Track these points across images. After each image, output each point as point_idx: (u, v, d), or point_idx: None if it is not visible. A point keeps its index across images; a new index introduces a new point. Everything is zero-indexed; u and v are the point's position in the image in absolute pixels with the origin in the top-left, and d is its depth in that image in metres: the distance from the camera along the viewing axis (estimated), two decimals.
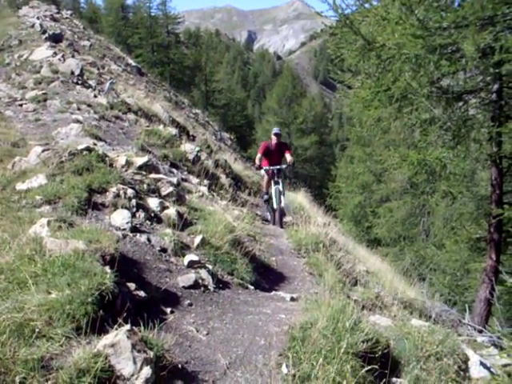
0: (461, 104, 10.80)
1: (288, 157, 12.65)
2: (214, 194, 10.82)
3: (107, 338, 3.94)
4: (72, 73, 16.69)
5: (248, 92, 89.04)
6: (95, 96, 14.84)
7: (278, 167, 12.58)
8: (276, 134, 12.92)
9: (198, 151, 12.76)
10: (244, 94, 77.79)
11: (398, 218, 28.98)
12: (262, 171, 13.09)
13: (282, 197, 12.21)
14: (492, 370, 5.82)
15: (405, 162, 11.72)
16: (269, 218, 13.04)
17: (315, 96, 78.62)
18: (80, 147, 7.72)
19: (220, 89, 60.96)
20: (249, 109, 73.99)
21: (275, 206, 12.26)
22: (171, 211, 7.22)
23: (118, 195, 6.83)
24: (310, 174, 53.19)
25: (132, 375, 3.79)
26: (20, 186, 7.13)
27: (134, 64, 32.93)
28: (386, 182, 32.08)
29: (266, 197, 13.28)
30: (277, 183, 12.46)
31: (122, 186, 7.00)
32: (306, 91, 77.67)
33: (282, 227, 11.63)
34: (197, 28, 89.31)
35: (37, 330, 3.88)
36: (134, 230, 6.43)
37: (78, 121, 11.20)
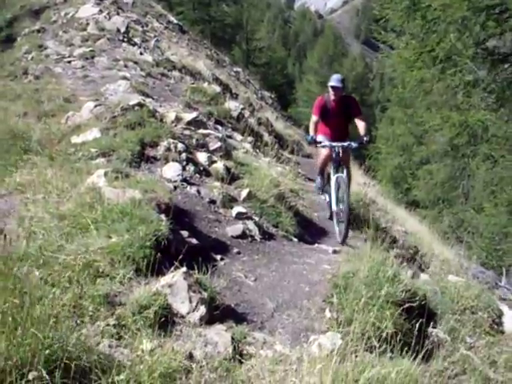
0: (507, 66, 10.76)
1: (361, 126, 8.15)
2: (258, 150, 11.03)
3: (165, 279, 4.27)
4: (118, 30, 16.91)
5: (288, 51, 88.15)
6: (141, 53, 15.08)
7: (346, 144, 7.96)
8: (334, 88, 8.11)
9: (241, 109, 12.91)
10: (285, 52, 77.16)
11: (438, 180, 28.76)
12: (321, 148, 8.36)
13: (345, 193, 7.69)
14: None
15: (446, 123, 11.78)
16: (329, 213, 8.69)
17: (357, 56, 77.52)
18: (132, 103, 8.04)
19: (261, 47, 60.44)
20: (289, 68, 73.27)
21: (334, 207, 7.83)
22: (219, 165, 7.50)
23: (168, 149, 7.14)
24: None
25: (188, 313, 4.12)
26: (75, 140, 7.48)
27: (175, 22, 32.91)
28: (426, 144, 31.75)
29: (318, 182, 9.05)
30: (339, 169, 7.94)
31: (172, 141, 7.30)
32: (348, 51, 76.99)
33: (343, 242, 7.53)
34: None
35: (100, 270, 4.23)
36: (185, 182, 6.75)
37: (125, 77, 11.46)
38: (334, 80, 8.24)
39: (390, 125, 39.41)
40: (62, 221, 4.98)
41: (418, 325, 4.44)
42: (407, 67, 11.60)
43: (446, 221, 25.53)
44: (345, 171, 7.94)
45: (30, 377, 2.65)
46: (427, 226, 15.43)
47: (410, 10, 10.08)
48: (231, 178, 7.40)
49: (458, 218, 25.68)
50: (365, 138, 8.05)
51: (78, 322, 3.58)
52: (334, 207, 7.90)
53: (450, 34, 9.80)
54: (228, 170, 7.52)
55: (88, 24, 17.13)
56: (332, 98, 8.26)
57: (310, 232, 7.77)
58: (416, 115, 31.70)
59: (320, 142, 8.12)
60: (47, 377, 2.69)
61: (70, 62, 13.54)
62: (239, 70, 35.50)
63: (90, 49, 14.33)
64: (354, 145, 8.02)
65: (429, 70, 11.03)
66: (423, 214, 26.90)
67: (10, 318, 2.91)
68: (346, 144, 8.00)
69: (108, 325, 3.70)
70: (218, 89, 14.11)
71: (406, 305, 4.93)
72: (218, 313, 4.30)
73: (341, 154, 7.98)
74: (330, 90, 8.26)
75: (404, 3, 10.09)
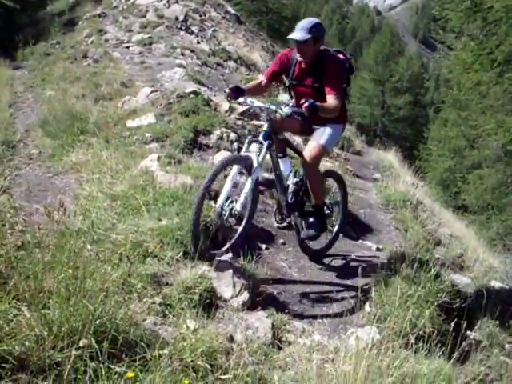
0: None
1: (329, 98, 5.04)
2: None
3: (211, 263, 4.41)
4: (176, 18, 17.11)
5: (344, 47, 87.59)
6: (198, 42, 15.26)
7: (266, 106, 5.09)
8: (297, 43, 5.10)
9: None
10: (340, 48, 76.78)
11: (489, 185, 28.20)
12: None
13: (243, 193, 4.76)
14: None
15: (500, 128, 11.60)
16: None
17: (413, 55, 76.27)
18: (187, 90, 8.21)
19: None
20: None
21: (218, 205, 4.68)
22: (269, 157, 7.60)
23: (221, 138, 7.30)
24: (402, 134, 52.24)
25: (231, 298, 4.25)
26: (130, 124, 7.68)
27: (232, 12, 33.02)
28: (479, 148, 31.18)
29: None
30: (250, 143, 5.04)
31: (225, 130, 7.46)
32: (404, 49, 75.83)
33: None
34: None
35: (149, 250, 4.38)
36: None
37: (181, 65, 11.63)
38: (297, 29, 5.11)
39: (443, 127, 38.80)
40: (115, 201, 5.18)
41: (456, 326, 4.46)
42: (464, 69, 11.47)
43: (494, 227, 25.08)
44: (263, 151, 4.97)
45: (81, 344, 2.79)
46: (474, 231, 15.25)
47: (471, 11, 9.95)
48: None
49: (507, 226, 25.23)
50: (306, 104, 4.64)
51: (126, 298, 3.72)
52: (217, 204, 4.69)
53: (510, 37, 9.66)
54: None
55: (147, 11, 17.41)
56: (298, 57, 5.22)
57: (354, 228, 7.78)
58: (470, 118, 31.16)
59: (235, 95, 5.09)
60: (96, 345, 2.83)
61: (128, 47, 13.83)
62: None
63: (149, 35, 14.57)
64: (285, 111, 4.89)
65: (486, 73, 10.89)
66: (471, 218, 26.48)
67: (64, 289, 3.07)
68: (266, 105, 5.10)
69: (154, 303, 3.84)
70: None
71: (446, 306, 4.98)
72: (260, 299, 4.41)
73: (276, 128, 5.24)
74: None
75: (465, 4, 9.97)
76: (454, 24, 10.84)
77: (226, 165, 4.73)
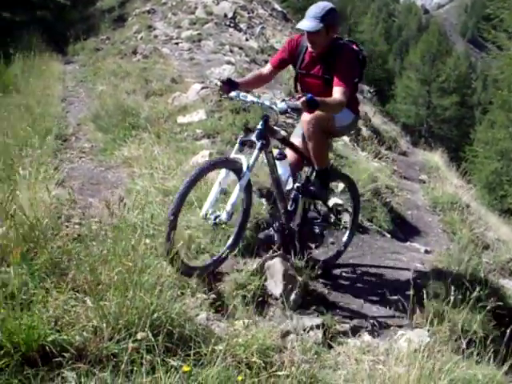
0: None
1: (335, 91, 4.44)
2: (355, 144, 11.00)
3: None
4: (225, 15, 17.17)
5: (390, 45, 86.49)
6: (246, 39, 15.30)
7: (260, 102, 4.48)
8: (307, 34, 4.55)
9: None
10: (386, 46, 75.80)
11: None
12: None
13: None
14: None
15: None
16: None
17: (461, 54, 75.18)
18: None
19: (362, 40, 59.75)
20: (390, 63, 71.81)
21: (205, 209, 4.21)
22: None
23: None
24: (447, 135, 51.52)
25: (281, 296, 4.24)
26: (181, 120, 7.76)
27: (279, 9, 33.00)
28: None
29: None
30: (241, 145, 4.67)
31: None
32: (452, 49, 74.76)
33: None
34: None
35: (202, 246, 4.42)
36: None
37: (230, 62, 11.69)
38: (307, 16, 4.48)
39: (490, 128, 38.10)
40: (167, 196, 5.24)
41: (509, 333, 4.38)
42: None
43: None
44: (256, 152, 4.52)
45: (139, 337, 2.85)
46: None
47: None
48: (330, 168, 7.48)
49: None
50: (303, 99, 4.00)
51: (180, 293, 3.77)
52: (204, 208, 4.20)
53: None
54: None
55: (196, 8, 17.50)
56: (309, 47, 4.68)
57: (402, 229, 7.74)
58: None
59: (227, 88, 4.53)
60: (152, 339, 2.87)
61: (177, 43, 13.94)
62: None
63: (198, 32, 14.66)
64: (275, 106, 4.29)
65: None
66: None
67: (120, 282, 3.12)
68: (260, 101, 4.48)
69: (207, 299, 3.89)
70: None
71: (496, 312, 4.91)
72: (310, 298, 4.43)
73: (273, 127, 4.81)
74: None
75: None
76: (509, 24, 10.64)
77: (207, 169, 4.24)
